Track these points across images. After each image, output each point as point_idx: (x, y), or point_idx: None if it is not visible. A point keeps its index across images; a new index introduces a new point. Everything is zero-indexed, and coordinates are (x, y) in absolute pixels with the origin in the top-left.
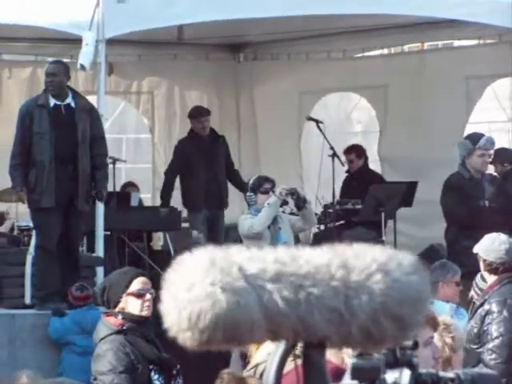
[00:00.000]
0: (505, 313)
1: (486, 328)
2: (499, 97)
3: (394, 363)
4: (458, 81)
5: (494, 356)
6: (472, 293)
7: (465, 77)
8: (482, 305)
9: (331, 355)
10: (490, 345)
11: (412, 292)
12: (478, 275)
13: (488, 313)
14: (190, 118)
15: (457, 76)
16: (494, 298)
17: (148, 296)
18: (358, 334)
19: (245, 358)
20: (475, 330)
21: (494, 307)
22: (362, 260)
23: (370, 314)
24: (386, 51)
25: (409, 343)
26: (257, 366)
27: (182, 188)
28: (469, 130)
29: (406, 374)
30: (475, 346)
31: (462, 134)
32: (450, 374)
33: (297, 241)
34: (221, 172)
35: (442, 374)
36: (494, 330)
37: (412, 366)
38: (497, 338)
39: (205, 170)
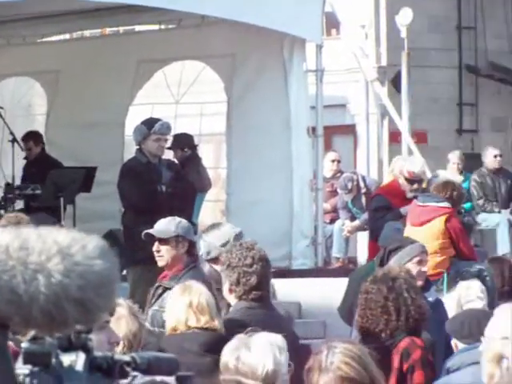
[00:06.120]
0: None
1: None
2: (168, 80)
3: (69, 346)
4: (130, 65)
5: None
6: None
7: (137, 61)
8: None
9: None
10: None
11: (95, 276)
12: None
13: None
14: None
15: (129, 60)
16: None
17: None
18: (40, 316)
19: None
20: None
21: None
22: (43, 242)
23: (51, 296)
24: (67, 36)
25: (83, 327)
26: None
27: None
28: (133, 112)
29: (81, 357)
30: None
31: (124, 117)
32: (126, 358)
33: None
34: None
35: (117, 357)
36: None
37: (87, 350)
38: None
39: None
